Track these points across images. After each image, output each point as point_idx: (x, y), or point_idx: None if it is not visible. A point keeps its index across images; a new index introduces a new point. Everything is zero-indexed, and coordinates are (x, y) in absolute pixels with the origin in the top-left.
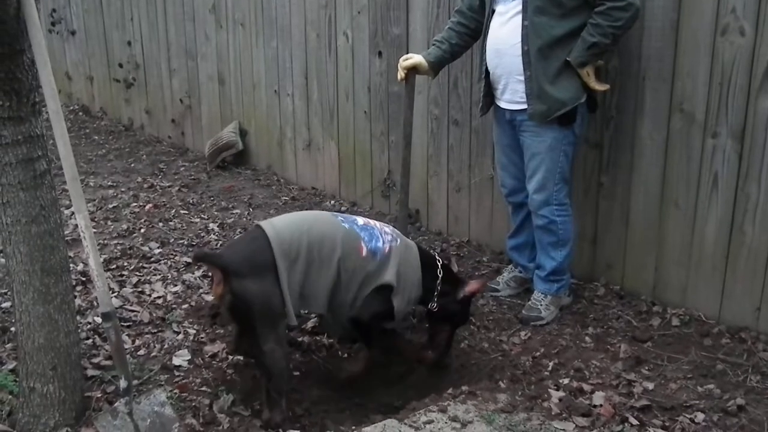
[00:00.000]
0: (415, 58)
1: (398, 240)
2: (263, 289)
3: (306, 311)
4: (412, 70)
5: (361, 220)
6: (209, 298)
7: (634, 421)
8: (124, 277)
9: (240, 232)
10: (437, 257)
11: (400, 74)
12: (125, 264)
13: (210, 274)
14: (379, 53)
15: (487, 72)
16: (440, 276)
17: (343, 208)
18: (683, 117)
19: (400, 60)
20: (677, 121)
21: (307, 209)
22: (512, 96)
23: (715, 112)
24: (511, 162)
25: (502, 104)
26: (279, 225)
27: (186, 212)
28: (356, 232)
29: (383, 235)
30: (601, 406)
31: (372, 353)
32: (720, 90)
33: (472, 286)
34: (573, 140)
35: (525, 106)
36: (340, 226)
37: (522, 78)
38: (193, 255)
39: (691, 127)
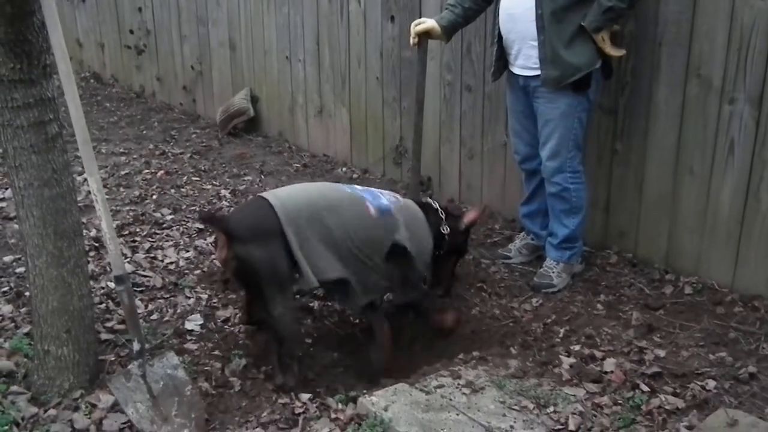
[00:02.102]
0: (428, 23)
1: (399, 200)
2: (268, 254)
3: (323, 278)
4: (425, 35)
5: (359, 187)
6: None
7: (645, 388)
8: (136, 243)
9: None
10: (430, 200)
11: (413, 39)
12: (137, 230)
13: (216, 238)
14: (392, 18)
15: (500, 37)
16: (443, 217)
17: (354, 175)
18: (700, 82)
19: (413, 24)
20: (694, 87)
21: (318, 176)
22: (525, 62)
23: (732, 77)
24: (524, 129)
25: (516, 70)
26: (282, 194)
27: (198, 179)
28: (359, 195)
29: (384, 195)
30: (612, 372)
31: (389, 334)
32: (738, 55)
33: (471, 215)
34: (587, 106)
35: (538, 72)
36: (344, 191)
37: (535, 43)
38: (199, 215)
39: (708, 92)
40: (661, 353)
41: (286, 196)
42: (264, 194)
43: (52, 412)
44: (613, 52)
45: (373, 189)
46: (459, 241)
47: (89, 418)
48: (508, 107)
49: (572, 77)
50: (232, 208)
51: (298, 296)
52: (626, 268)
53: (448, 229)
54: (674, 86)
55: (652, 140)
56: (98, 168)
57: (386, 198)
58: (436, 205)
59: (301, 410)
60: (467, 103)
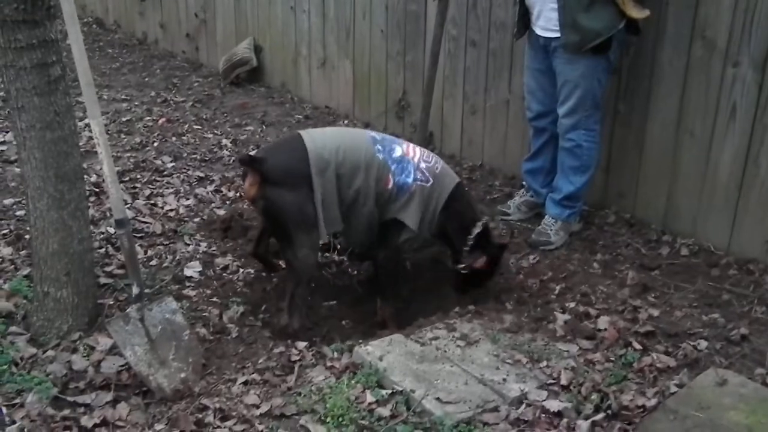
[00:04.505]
0: None
1: (430, 181)
2: (298, 198)
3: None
4: None
5: (398, 151)
6: (221, 212)
7: (638, 346)
8: (136, 190)
9: (253, 149)
10: (482, 216)
11: None
12: (138, 177)
13: (244, 173)
14: None
15: None
16: (474, 234)
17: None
18: (705, 44)
19: None
20: (698, 49)
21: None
22: (546, 23)
23: (737, 40)
24: (540, 87)
25: (537, 30)
26: (320, 140)
27: (199, 127)
28: (388, 165)
29: (416, 171)
30: (605, 330)
31: (395, 292)
32: (744, 17)
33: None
34: (607, 67)
35: (559, 35)
36: (375, 157)
37: (555, 6)
38: (239, 158)
39: (712, 54)
40: (655, 313)
41: (323, 142)
42: (303, 134)
43: (50, 353)
44: (636, 13)
45: (413, 159)
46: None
47: (87, 359)
48: (525, 65)
49: (593, 42)
50: (268, 144)
51: None
52: (624, 228)
53: (470, 243)
54: (679, 47)
55: (655, 101)
56: (100, 114)
57: (417, 175)
58: (481, 223)
59: (297, 358)
60: (471, 59)
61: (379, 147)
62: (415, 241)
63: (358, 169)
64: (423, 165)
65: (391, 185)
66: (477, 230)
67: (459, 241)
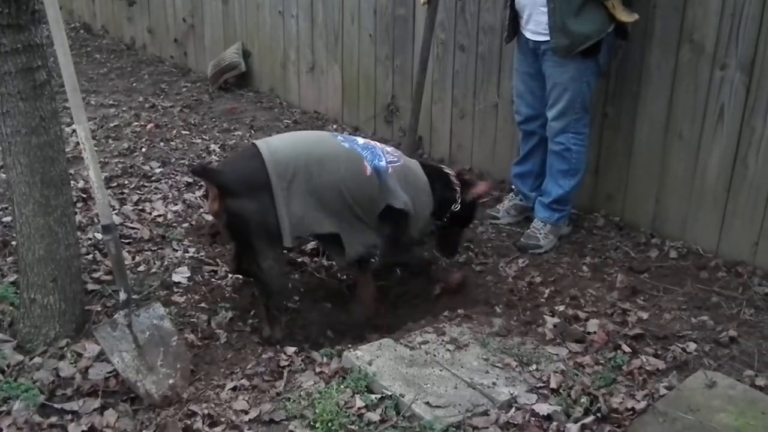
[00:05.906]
0: None
1: (400, 160)
2: (258, 209)
3: (310, 235)
4: None
5: (361, 140)
6: (209, 217)
7: (627, 349)
8: (124, 195)
9: None
10: (444, 167)
11: None
12: (126, 182)
13: (207, 190)
14: None
15: (512, 0)
16: (456, 185)
17: (345, 133)
18: (693, 47)
19: None
20: (686, 52)
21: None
22: (536, 27)
23: (725, 43)
24: (528, 90)
25: (527, 34)
26: (275, 144)
27: (187, 133)
28: (357, 152)
29: (385, 154)
30: (595, 333)
31: (372, 291)
32: (731, 21)
33: (479, 188)
34: (596, 70)
35: (548, 38)
36: (340, 146)
37: (545, 9)
38: (191, 168)
39: (700, 57)
40: (644, 315)
41: (279, 145)
42: (257, 143)
43: (37, 360)
44: (625, 17)
45: (376, 146)
46: (464, 212)
47: (75, 366)
48: (515, 68)
49: (582, 45)
50: (224, 158)
51: (285, 251)
52: (613, 231)
53: (459, 198)
54: (667, 50)
55: (643, 104)
56: (87, 119)
57: (387, 158)
58: (450, 172)
59: (286, 363)
60: (460, 63)
61: (341, 139)
62: (420, 224)
63: (325, 161)
64: (388, 148)
65: (369, 172)
66: (457, 182)
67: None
